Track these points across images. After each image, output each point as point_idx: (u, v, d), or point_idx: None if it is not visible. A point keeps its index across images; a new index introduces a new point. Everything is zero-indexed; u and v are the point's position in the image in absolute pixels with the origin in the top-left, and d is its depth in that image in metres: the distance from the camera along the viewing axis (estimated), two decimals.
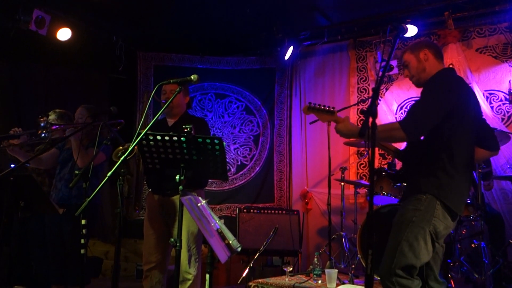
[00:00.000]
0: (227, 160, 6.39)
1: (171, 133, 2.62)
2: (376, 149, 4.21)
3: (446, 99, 2.53)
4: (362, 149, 5.66)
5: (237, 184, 6.44)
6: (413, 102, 5.44)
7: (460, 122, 2.57)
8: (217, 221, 2.31)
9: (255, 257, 4.09)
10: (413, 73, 2.78)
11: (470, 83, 5.19)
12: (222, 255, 2.20)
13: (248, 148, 6.51)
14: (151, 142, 2.64)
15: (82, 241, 3.00)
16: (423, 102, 2.58)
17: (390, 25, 4.92)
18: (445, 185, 2.53)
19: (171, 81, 2.77)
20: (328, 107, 2.57)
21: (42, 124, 3.72)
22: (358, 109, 6.04)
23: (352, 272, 4.03)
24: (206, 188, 3.80)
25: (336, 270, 3.66)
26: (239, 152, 6.50)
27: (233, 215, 5.96)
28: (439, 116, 2.50)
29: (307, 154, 6.33)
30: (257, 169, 6.46)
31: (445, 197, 2.51)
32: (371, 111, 1.68)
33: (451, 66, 5.26)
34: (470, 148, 2.68)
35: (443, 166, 2.54)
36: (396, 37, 2.32)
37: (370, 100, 1.72)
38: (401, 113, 5.68)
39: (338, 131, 2.57)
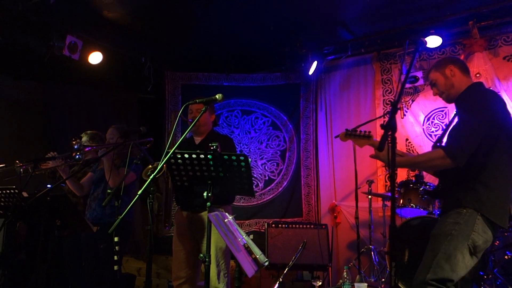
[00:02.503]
0: (255, 175, 6.43)
1: (197, 151, 2.70)
2: None
3: (483, 116, 2.55)
4: None
5: (265, 199, 6.47)
6: (441, 112, 5.52)
7: (497, 135, 2.57)
8: (244, 236, 2.36)
9: (285, 271, 4.12)
10: (442, 89, 2.81)
11: (499, 92, 5.10)
12: (249, 269, 2.25)
13: (275, 163, 6.55)
14: (179, 161, 2.73)
15: (115, 257, 3.09)
16: (464, 125, 2.60)
17: (408, 39, 4.89)
18: (485, 198, 2.51)
19: (197, 100, 2.87)
20: (365, 131, 2.60)
21: (75, 147, 3.88)
22: (384, 121, 6.02)
23: (382, 286, 4.00)
24: (235, 203, 3.85)
25: (366, 284, 3.63)
26: (266, 167, 6.54)
27: (262, 230, 5.97)
28: (481, 135, 2.51)
29: (335, 168, 6.32)
30: (285, 183, 6.48)
31: (487, 211, 2.50)
32: (390, 125, 1.71)
33: (478, 75, 5.21)
34: (510, 159, 2.66)
35: (482, 179, 2.54)
36: (415, 52, 2.35)
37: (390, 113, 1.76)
38: (428, 124, 5.62)
39: (377, 157, 2.59)
